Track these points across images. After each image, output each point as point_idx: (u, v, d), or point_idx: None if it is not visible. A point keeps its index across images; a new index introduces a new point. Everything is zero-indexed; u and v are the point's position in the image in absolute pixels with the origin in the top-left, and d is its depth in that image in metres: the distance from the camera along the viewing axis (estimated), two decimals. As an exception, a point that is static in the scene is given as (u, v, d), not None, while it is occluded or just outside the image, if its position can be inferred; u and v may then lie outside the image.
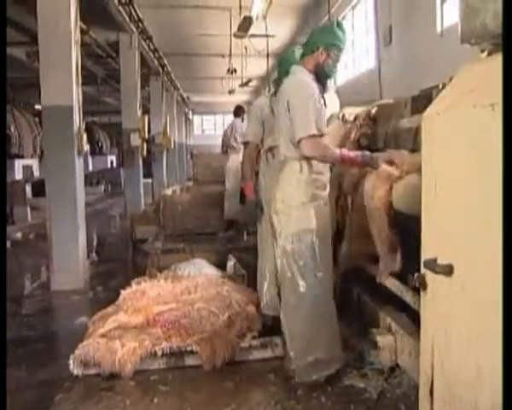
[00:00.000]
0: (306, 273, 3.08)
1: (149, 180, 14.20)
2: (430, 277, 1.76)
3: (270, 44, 12.77)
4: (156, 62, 14.12)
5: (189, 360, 3.40)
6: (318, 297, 3.10)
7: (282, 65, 3.87)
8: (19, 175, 9.72)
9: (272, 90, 4.12)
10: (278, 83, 3.72)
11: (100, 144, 18.09)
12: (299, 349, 3.14)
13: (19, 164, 9.78)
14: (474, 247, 1.54)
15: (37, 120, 11.09)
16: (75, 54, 5.53)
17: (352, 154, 3.03)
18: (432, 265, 1.70)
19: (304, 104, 3.00)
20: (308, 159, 3.07)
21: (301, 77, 3.14)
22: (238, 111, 8.34)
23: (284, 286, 3.17)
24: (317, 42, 3.13)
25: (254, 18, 9.08)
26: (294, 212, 3.09)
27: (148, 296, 3.80)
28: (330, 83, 3.36)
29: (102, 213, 13.08)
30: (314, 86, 3.10)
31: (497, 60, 1.50)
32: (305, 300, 3.09)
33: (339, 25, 3.18)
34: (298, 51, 3.68)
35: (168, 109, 16.62)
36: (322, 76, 3.16)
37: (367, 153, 3.03)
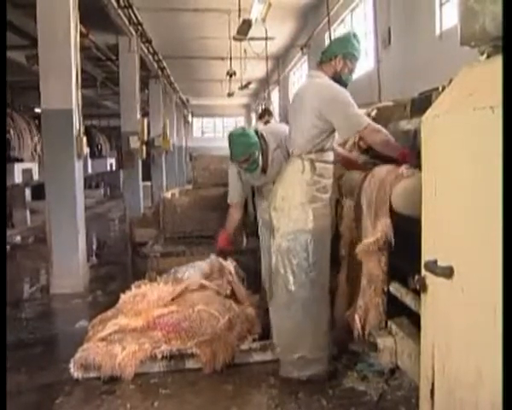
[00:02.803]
0: (298, 273, 3.14)
1: (149, 183, 14.19)
2: (430, 279, 1.76)
3: (270, 47, 12.79)
4: (155, 65, 14.13)
5: (189, 363, 3.40)
6: (309, 297, 3.14)
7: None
8: (18, 179, 9.71)
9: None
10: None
11: (99, 147, 18.07)
12: (285, 345, 3.21)
13: (18, 167, 9.77)
14: (474, 249, 1.54)
15: (36, 123, 11.09)
16: (75, 57, 5.53)
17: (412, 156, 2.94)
18: (432, 267, 1.70)
19: (343, 102, 3.06)
20: (311, 160, 3.12)
21: (326, 80, 3.21)
22: (263, 114, 8.20)
23: (276, 282, 3.22)
24: (335, 50, 3.24)
25: (253, 21, 9.09)
26: (293, 211, 3.15)
27: (149, 300, 3.79)
28: None
29: (102, 216, 13.07)
30: (340, 87, 3.17)
31: (497, 62, 1.51)
32: (294, 298, 3.15)
33: (355, 36, 3.30)
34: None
35: (167, 112, 16.63)
36: (339, 83, 3.22)
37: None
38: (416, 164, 2.86)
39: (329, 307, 3.27)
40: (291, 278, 3.15)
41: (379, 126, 3.07)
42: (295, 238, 3.14)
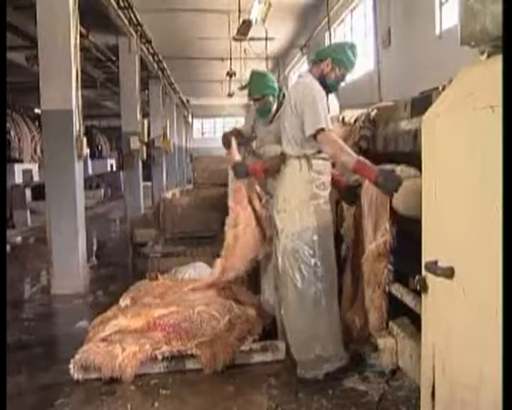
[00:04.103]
0: (306, 271, 3.15)
1: (149, 183, 14.19)
2: (431, 279, 1.76)
3: (269, 47, 12.80)
4: (155, 66, 14.12)
5: (190, 364, 3.39)
6: (318, 295, 3.15)
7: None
8: (18, 179, 9.72)
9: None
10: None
11: (99, 148, 18.08)
12: (299, 345, 3.21)
13: (18, 168, 9.78)
14: (474, 249, 1.54)
15: (37, 124, 11.09)
16: (75, 58, 5.52)
17: (369, 165, 2.91)
18: (433, 267, 1.69)
19: (313, 101, 3.08)
20: (308, 158, 3.15)
21: (309, 80, 3.24)
22: None
23: (285, 284, 3.23)
24: (326, 53, 3.27)
25: (253, 21, 9.09)
26: (295, 210, 3.18)
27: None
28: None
29: (102, 216, 13.07)
30: (321, 88, 3.19)
31: (497, 62, 1.50)
32: (304, 297, 3.16)
33: (352, 47, 3.30)
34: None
35: (168, 113, 16.63)
36: (324, 87, 3.22)
37: (386, 168, 2.90)
38: (376, 175, 2.84)
39: (338, 303, 3.28)
40: (299, 278, 3.15)
41: (334, 138, 3.06)
42: (300, 237, 3.16)
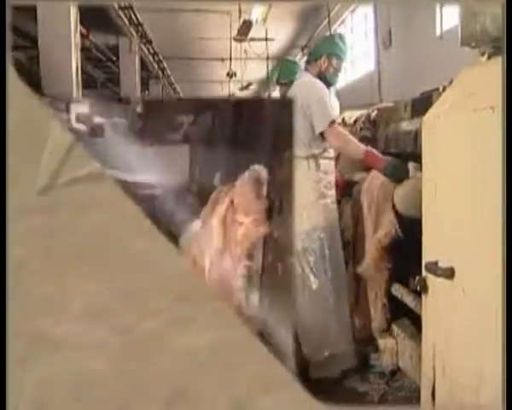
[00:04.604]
0: (316, 270, 3.15)
1: (149, 184, 14.18)
2: (431, 280, 1.76)
3: (270, 48, 12.80)
4: (156, 66, 14.14)
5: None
6: (329, 294, 3.15)
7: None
8: (19, 179, 9.72)
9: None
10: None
11: (100, 148, 18.07)
12: (312, 346, 3.19)
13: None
14: (475, 250, 1.54)
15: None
16: (75, 58, 5.54)
17: (378, 155, 3.00)
18: (433, 268, 1.70)
19: (320, 97, 3.12)
20: (316, 157, 3.16)
21: (310, 79, 3.27)
22: None
23: (296, 285, 3.22)
24: (320, 51, 3.31)
25: (254, 22, 9.10)
26: (304, 210, 3.16)
27: None
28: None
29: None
30: (323, 84, 3.22)
31: (498, 62, 1.50)
32: (315, 296, 3.15)
33: (340, 37, 3.39)
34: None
35: (168, 113, 16.59)
36: (324, 83, 3.24)
37: (392, 160, 2.95)
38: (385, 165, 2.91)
39: (348, 300, 3.28)
40: (311, 278, 3.15)
41: (341, 130, 3.15)
42: (309, 237, 3.15)
